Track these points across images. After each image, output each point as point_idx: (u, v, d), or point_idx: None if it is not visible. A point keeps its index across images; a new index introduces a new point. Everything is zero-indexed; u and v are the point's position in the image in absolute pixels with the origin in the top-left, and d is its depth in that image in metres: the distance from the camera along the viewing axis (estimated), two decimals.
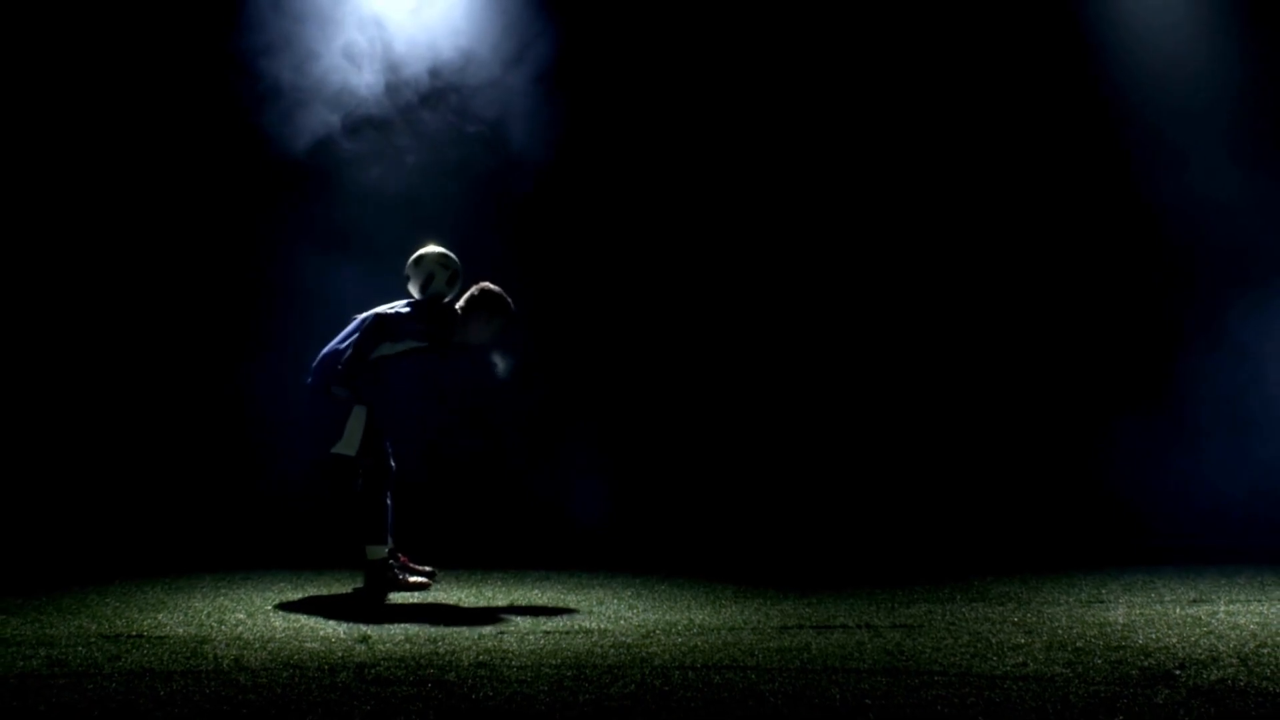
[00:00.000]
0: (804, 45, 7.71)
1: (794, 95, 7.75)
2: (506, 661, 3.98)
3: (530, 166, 7.33)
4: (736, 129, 7.74)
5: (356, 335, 5.37)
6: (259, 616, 4.83)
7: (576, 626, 4.64)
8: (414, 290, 5.57)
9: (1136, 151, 7.71)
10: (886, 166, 7.80)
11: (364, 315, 5.53)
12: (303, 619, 4.79)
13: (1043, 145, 7.77)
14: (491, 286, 5.56)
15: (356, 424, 5.34)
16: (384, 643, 4.30)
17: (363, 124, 7.19)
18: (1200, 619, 4.78)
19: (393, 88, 7.18)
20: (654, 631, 4.53)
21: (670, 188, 7.70)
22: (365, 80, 7.13)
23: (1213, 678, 3.76)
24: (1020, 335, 7.78)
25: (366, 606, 5.16)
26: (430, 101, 7.23)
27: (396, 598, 5.38)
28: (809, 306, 7.79)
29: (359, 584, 5.55)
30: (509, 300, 5.58)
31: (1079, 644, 4.28)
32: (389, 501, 5.52)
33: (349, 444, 5.35)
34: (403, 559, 5.64)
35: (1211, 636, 4.41)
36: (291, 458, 6.84)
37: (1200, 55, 7.60)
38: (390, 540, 5.50)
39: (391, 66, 7.15)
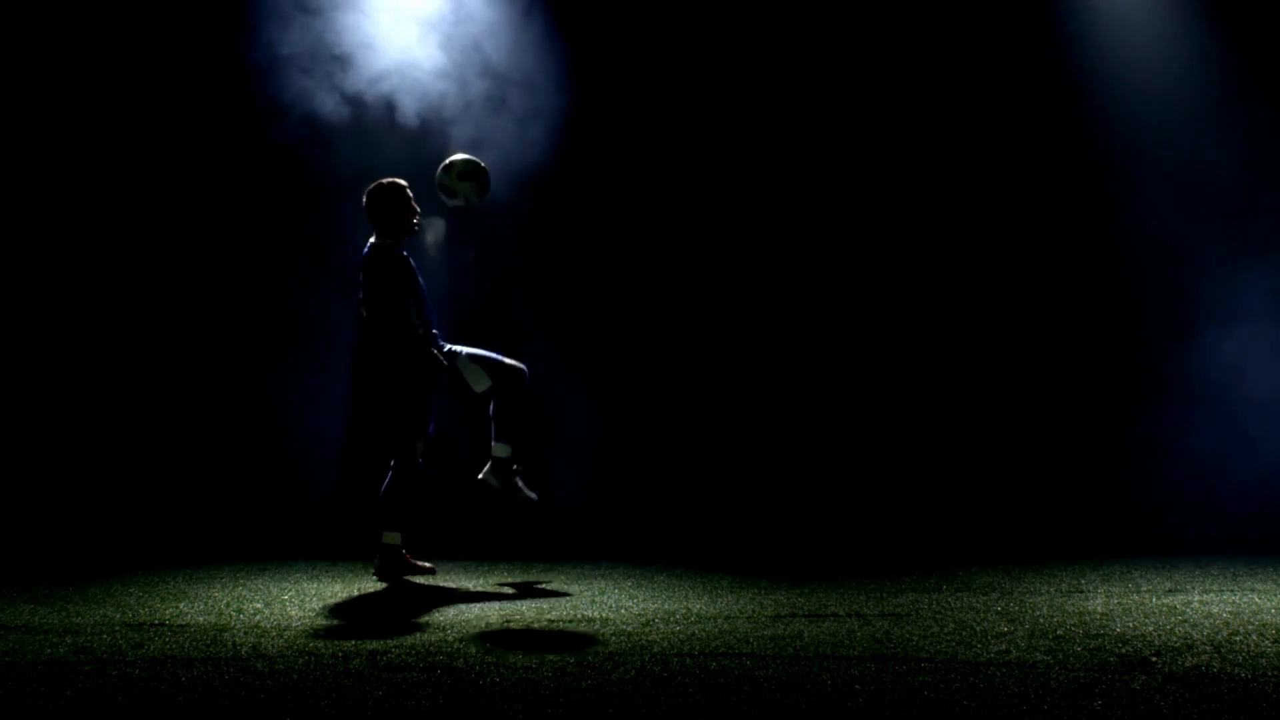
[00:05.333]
0: (767, 61, 7.78)
1: (756, 108, 7.81)
2: (512, 648, 4.09)
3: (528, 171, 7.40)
4: (723, 131, 7.79)
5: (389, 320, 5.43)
6: (276, 606, 4.93)
7: (579, 615, 4.74)
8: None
9: (1123, 151, 7.78)
10: (875, 167, 7.84)
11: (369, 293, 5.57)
12: (317, 608, 4.90)
13: (1032, 147, 7.82)
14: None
15: (468, 364, 5.47)
16: (395, 631, 4.41)
17: (372, 134, 7.27)
18: (1175, 608, 4.87)
19: (379, 103, 7.22)
20: (653, 620, 4.62)
21: (667, 187, 7.77)
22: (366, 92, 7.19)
23: (1187, 664, 3.85)
24: (1004, 331, 7.81)
25: (378, 595, 5.25)
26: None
27: (406, 586, 5.46)
28: (800, 304, 7.84)
29: (372, 574, 5.64)
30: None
31: (1059, 632, 4.37)
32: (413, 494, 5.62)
33: (478, 381, 5.47)
34: (405, 555, 5.73)
35: (1186, 625, 4.50)
36: (311, 454, 6.95)
37: (1176, 78, 7.68)
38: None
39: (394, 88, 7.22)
